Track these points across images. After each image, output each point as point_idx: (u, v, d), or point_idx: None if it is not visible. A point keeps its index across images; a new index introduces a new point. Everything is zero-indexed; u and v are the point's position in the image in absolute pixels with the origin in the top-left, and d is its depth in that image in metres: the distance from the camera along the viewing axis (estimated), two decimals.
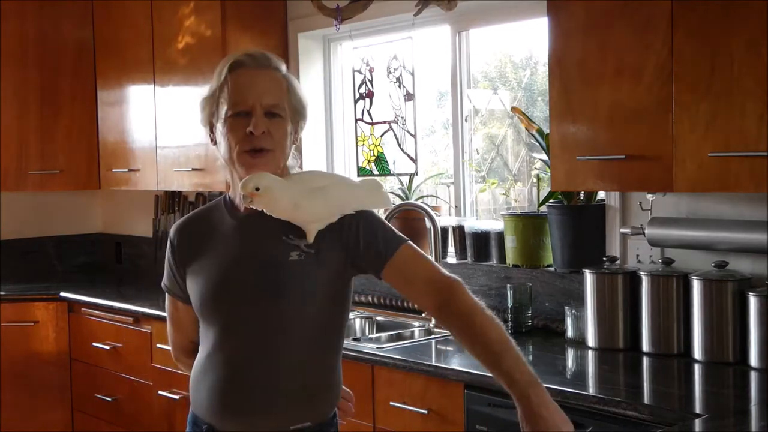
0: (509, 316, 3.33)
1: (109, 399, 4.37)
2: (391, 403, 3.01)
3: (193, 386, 2.15)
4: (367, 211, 2.10)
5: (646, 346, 2.97)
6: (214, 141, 2.11)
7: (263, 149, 2.02)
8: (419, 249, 2.10)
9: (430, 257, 2.14)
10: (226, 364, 2.06)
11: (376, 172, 4.21)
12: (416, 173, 4.05)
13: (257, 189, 1.98)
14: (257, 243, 2.07)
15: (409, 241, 2.09)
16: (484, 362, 1.97)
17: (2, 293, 4.67)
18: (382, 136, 4.18)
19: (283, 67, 2.11)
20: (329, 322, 2.09)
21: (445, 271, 2.07)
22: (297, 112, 2.10)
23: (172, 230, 2.22)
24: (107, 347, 4.36)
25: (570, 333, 3.19)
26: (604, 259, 3.14)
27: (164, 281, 2.25)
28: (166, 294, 2.26)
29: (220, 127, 2.05)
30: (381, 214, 2.22)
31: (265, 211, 2.02)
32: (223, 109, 2.04)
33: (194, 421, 2.15)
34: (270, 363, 2.03)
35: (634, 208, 3.18)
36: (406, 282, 2.08)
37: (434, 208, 3.80)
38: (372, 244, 2.05)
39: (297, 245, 2.03)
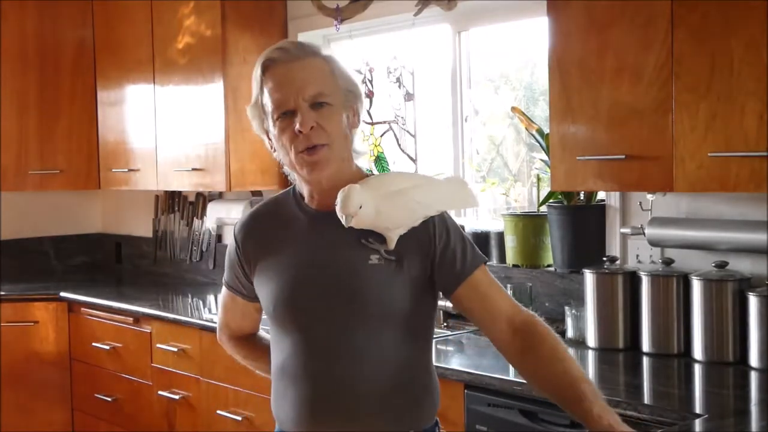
0: None
1: (109, 399, 4.37)
2: None
3: (275, 403, 2.03)
4: (448, 219, 1.99)
5: (646, 346, 2.97)
6: (273, 148, 1.97)
7: (317, 145, 1.88)
8: (491, 274, 2.00)
9: (501, 285, 2.01)
10: (310, 375, 1.94)
11: (375, 172, 4.21)
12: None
13: (360, 207, 1.86)
14: (334, 245, 1.95)
15: (488, 261, 1.97)
16: (564, 402, 1.85)
17: (2, 293, 4.67)
18: (382, 136, 4.18)
19: (323, 52, 1.96)
20: (415, 324, 1.97)
21: (517, 303, 1.97)
22: (350, 93, 1.95)
23: (237, 227, 2.10)
24: (107, 347, 4.36)
25: (570, 333, 3.19)
26: (604, 259, 3.14)
27: (225, 277, 2.15)
28: (224, 288, 2.16)
29: (273, 132, 1.93)
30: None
31: (354, 226, 1.90)
32: (270, 114, 1.92)
33: None
34: (358, 372, 1.92)
35: (634, 208, 3.18)
36: (481, 310, 1.95)
37: None
38: (451, 257, 1.94)
39: (377, 249, 1.92)
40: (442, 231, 1.96)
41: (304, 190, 2.01)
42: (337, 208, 1.88)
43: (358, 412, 1.93)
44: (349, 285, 1.93)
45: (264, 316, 2.12)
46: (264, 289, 2.02)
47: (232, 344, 2.25)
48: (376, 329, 1.93)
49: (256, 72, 1.95)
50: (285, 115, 1.90)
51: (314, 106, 1.89)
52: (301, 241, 1.99)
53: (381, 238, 1.93)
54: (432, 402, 2.04)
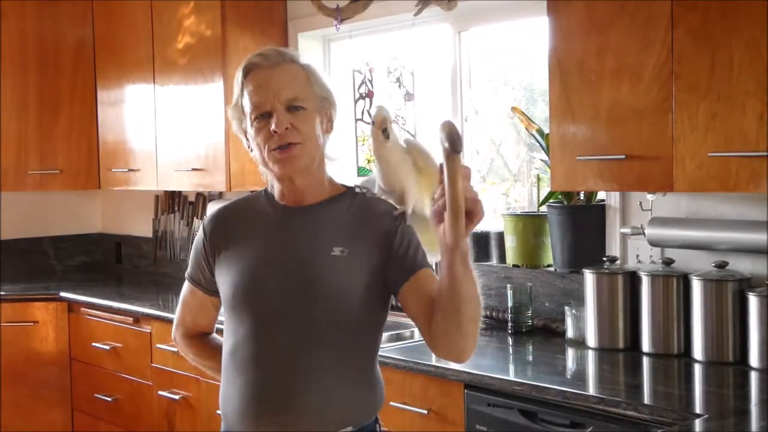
0: (509, 316, 3.33)
1: (109, 399, 4.37)
2: (391, 403, 3.00)
3: (223, 394, 2.07)
4: (409, 227, 2.05)
5: (646, 346, 2.97)
6: (250, 147, 2.08)
7: (290, 143, 1.99)
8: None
9: None
10: (258, 364, 2.00)
11: (374, 171, 4.19)
12: None
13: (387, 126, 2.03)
14: (300, 238, 2.04)
15: (434, 270, 2.05)
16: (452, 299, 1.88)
17: (2, 293, 4.67)
18: None
19: (301, 59, 2.08)
20: (369, 321, 2.05)
21: None
22: (324, 100, 2.06)
23: (206, 219, 2.19)
24: (107, 347, 4.36)
25: (570, 333, 3.19)
26: (604, 259, 3.14)
27: (188, 271, 2.22)
28: (186, 282, 2.23)
29: (250, 132, 2.04)
30: None
31: (388, 141, 2.06)
32: (248, 115, 2.03)
33: None
34: (308, 362, 1.97)
35: (634, 208, 3.18)
36: (424, 302, 1.97)
37: None
38: (404, 251, 2.02)
39: (340, 246, 2.01)
40: (402, 230, 2.04)
41: (275, 188, 2.11)
42: (374, 114, 2.03)
43: (300, 403, 1.97)
44: (308, 274, 2.00)
45: (220, 317, 2.18)
46: (225, 276, 2.08)
47: (185, 342, 2.30)
48: (329, 320, 1.99)
49: (238, 76, 2.06)
50: (262, 116, 2.01)
51: (290, 109, 2.00)
52: (269, 233, 2.08)
53: (345, 238, 2.02)
54: (375, 400, 2.08)
